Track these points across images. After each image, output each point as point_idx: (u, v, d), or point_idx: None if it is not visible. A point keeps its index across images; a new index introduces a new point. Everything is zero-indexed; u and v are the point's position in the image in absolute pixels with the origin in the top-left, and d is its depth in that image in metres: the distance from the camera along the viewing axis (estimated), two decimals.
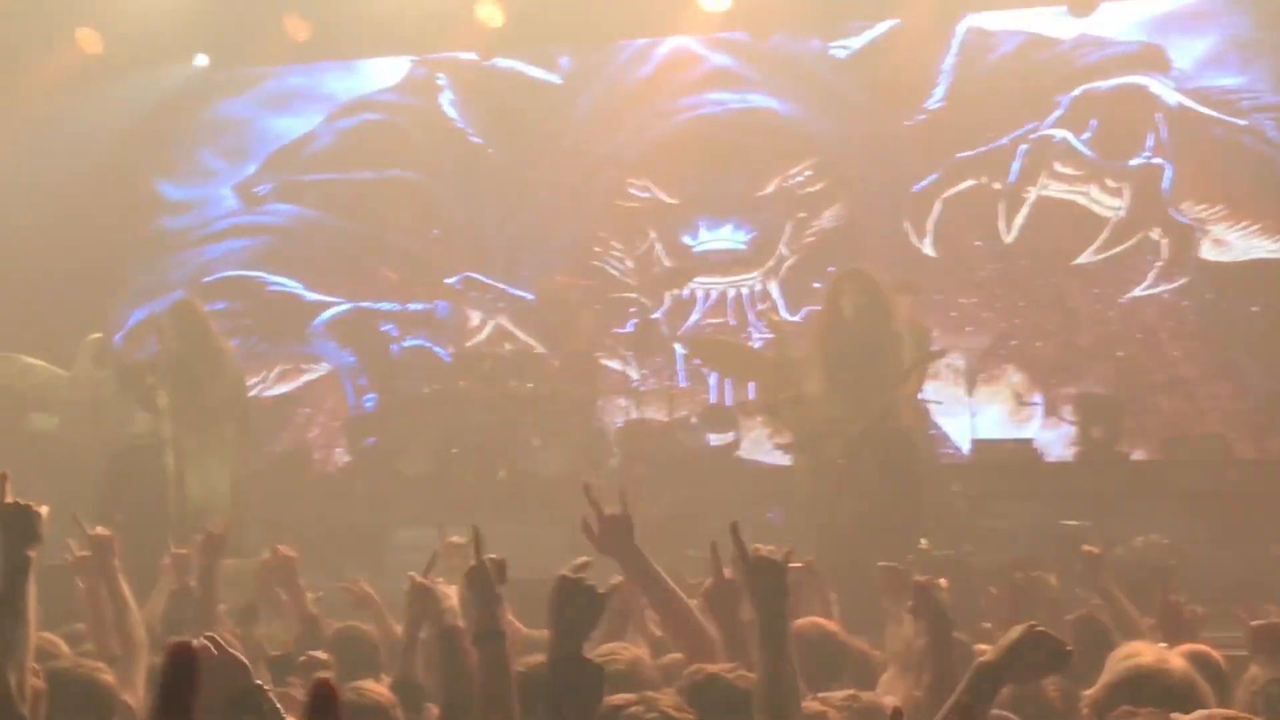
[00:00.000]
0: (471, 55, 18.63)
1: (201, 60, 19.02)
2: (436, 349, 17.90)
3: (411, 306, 18.36)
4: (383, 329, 18.72)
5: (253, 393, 17.79)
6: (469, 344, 17.96)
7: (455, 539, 8.28)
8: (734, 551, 4.96)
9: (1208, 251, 16.81)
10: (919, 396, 13.80)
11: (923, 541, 11.32)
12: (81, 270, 18.83)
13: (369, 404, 18.09)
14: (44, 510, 4.86)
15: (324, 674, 5.44)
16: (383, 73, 19.35)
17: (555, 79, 18.93)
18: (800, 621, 6.81)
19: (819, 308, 13.01)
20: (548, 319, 16.98)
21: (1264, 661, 5.79)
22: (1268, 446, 16.44)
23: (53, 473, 13.47)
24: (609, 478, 15.74)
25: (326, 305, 18.96)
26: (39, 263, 18.27)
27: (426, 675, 6.21)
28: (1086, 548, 8.19)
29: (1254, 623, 5.93)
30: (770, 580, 4.76)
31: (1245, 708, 5.75)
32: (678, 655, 6.30)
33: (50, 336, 16.46)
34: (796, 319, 17.83)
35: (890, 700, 5.91)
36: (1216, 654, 6.49)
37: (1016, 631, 4.10)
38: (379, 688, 5.77)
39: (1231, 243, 16.80)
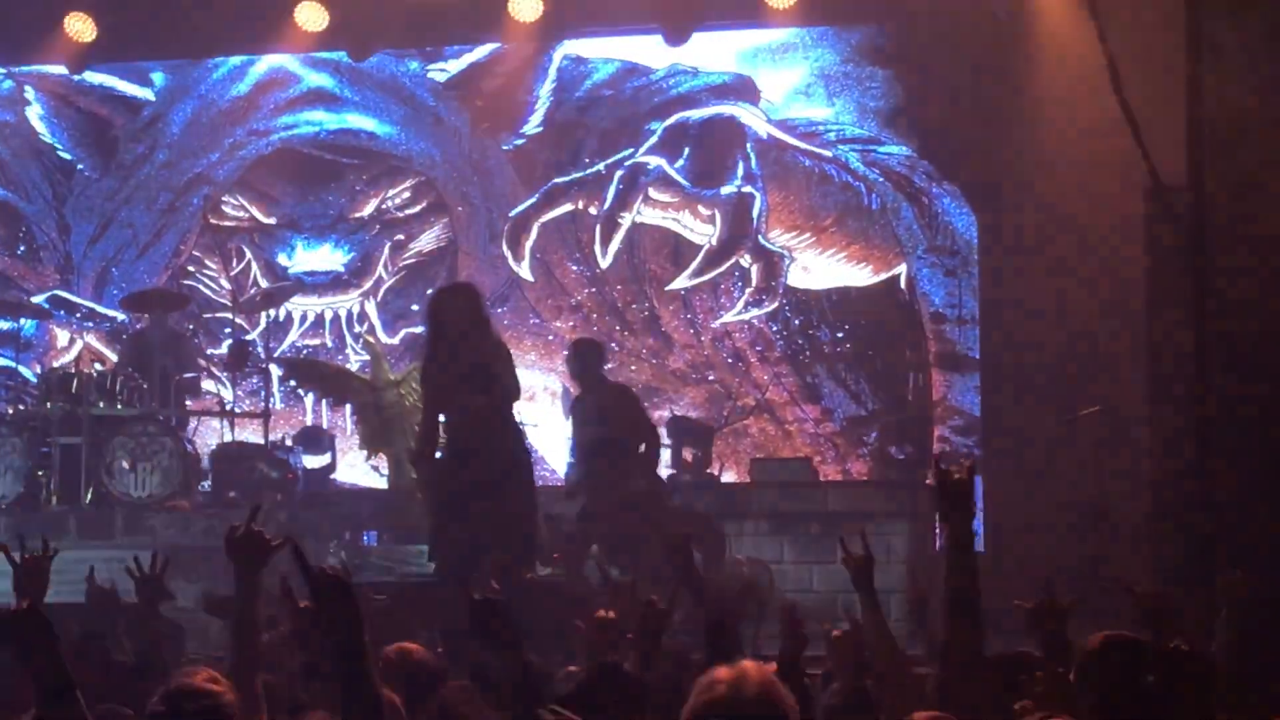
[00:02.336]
0: (61, 69, 18.16)
1: None
2: (22, 368, 17.37)
3: None
4: None
5: None
6: (56, 364, 17.46)
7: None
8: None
9: (795, 278, 17.27)
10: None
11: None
12: None
13: None
14: None
15: None
16: None
17: (148, 94, 18.56)
18: (387, 649, 6.77)
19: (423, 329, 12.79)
20: (138, 338, 16.61)
21: (840, 674, 5.94)
22: (850, 468, 16.98)
23: None
24: (201, 500, 15.53)
25: None
26: None
27: None
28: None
29: (834, 633, 6.06)
30: (341, 610, 4.53)
31: None
32: None
33: None
34: (395, 341, 17.81)
35: None
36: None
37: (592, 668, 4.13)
38: None
39: (818, 269, 17.29)
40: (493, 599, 5.22)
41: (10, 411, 16.21)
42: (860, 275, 17.18)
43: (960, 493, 5.19)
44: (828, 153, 17.25)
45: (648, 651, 5.89)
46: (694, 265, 17.47)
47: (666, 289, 17.56)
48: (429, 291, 15.00)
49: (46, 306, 17.49)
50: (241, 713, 4.94)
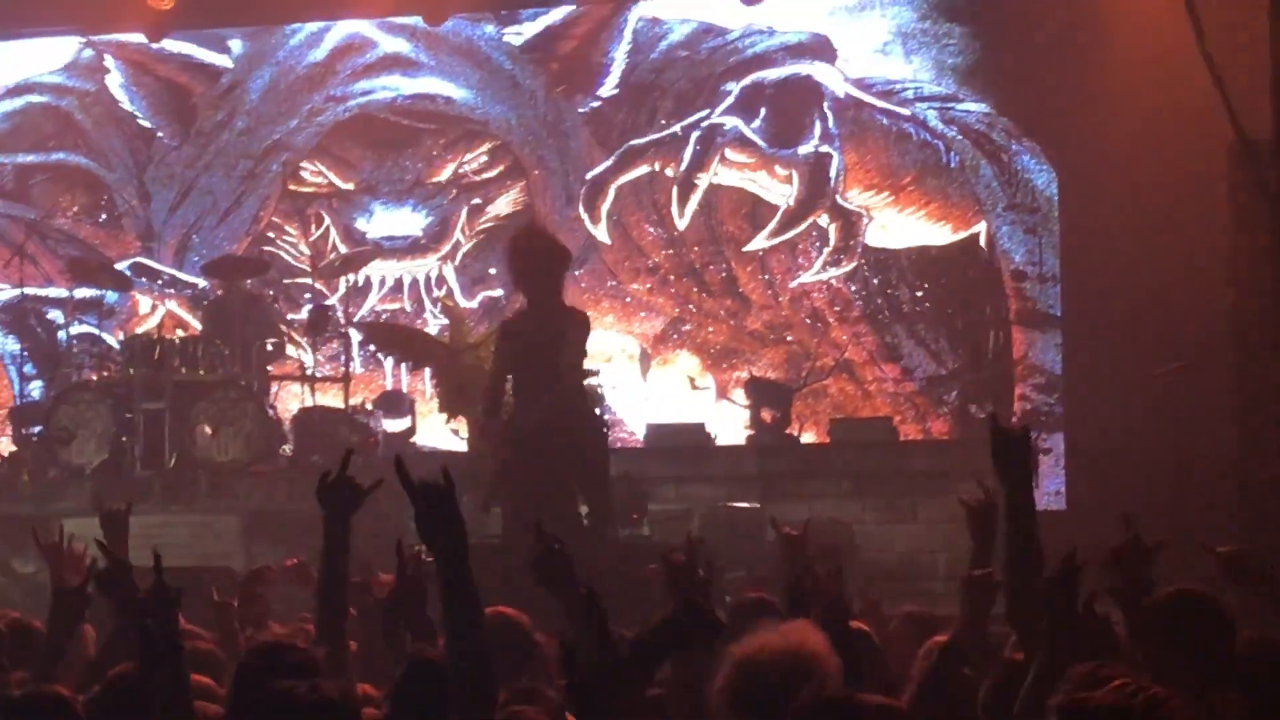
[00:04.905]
0: (140, 37, 18.26)
1: None
2: (105, 335, 17.50)
3: (79, 292, 17.90)
4: (49, 315, 18.28)
5: None
6: (139, 330, 17.60)
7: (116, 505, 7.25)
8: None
9: (873, 237, 17.20)
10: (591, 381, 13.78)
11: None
12: None
13: (35, 392, 17.61)
14: None
15: None
16: (49, 54, 18.85)
17: (226, 61, 18.65)
18: (487, 611, 6.75)
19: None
20: (219, 304, 16.73)
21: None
22: (930, 427, 16.92)
23: None
24: (283, 465, 15.64)
25: None
26: None
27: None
28: (786, 529, 8.02)
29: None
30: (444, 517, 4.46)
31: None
32: None
33: None
34: (473, 304, 17.85)
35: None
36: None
37: (670, 608, 4.09)
38: None
39: (896, 228, 17.21)
40: (558, 549, 5.18)
41: (94, 378, 16.34)
42: (939, 234, 17.08)
43: (1017, 451, 4.96)
44: (905, 111, 17.15)
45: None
46: (771, 225, 17.41)
47: (744, 250, 17.50)
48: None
49: (129, 274, 17.64)
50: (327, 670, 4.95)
